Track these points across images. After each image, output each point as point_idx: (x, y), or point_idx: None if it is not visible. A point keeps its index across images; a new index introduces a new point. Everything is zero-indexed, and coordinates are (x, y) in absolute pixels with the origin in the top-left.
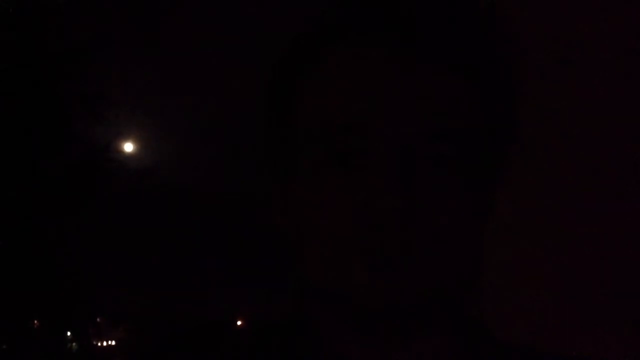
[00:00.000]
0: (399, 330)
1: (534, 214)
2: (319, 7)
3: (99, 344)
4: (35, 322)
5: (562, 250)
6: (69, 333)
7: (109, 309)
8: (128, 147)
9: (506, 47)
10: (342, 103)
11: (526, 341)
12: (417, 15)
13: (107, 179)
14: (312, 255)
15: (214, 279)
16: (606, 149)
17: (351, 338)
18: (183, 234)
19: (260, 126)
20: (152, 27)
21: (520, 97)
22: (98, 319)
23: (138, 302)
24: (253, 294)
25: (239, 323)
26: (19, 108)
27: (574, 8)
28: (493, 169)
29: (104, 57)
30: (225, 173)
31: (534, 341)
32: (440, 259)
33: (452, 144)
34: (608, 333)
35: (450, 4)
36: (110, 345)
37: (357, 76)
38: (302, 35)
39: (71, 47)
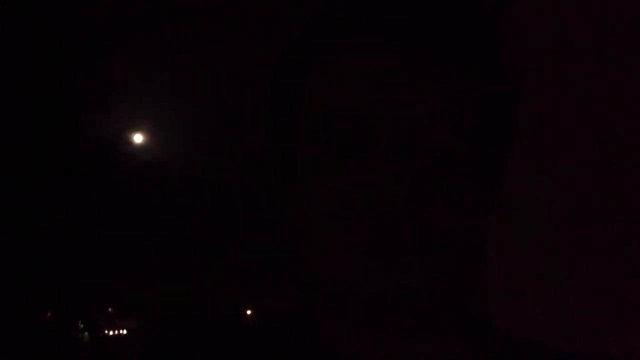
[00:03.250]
0: (402, 325)
1: (540, 210)
2: (322, 3)
3: (110, 334)
4: (48, 312)
5: (568, 246)
6: (80, 323)
7: (120, 299)
8: (138, 138)
9: (509, 42)
10: (346, 98)
11: (531, 337)
12: (420, 11)
13: (117, 170)
14: (315, 248)
15: (223, 269)
16: (609, 147)
17: (353, 332)
18: (192, 225)
19: (266, 120)
20: (161, 20)
21: (523, 92)
22: (109, 309)
23: (149, 292)
24: (262, 285)
25: (248, 312)
26: (28, 101)
27: (577, 6)
28: (496, 164)
29: (113, 49)
30: (234, 166)
31: (540, 336)
32: (443, 252)
33: (454, 139)
34: (612, 328)
35: (452, 3)
36: (122, 334)
37: (360, 71)
38: (307, 30)
39: (80, 40)
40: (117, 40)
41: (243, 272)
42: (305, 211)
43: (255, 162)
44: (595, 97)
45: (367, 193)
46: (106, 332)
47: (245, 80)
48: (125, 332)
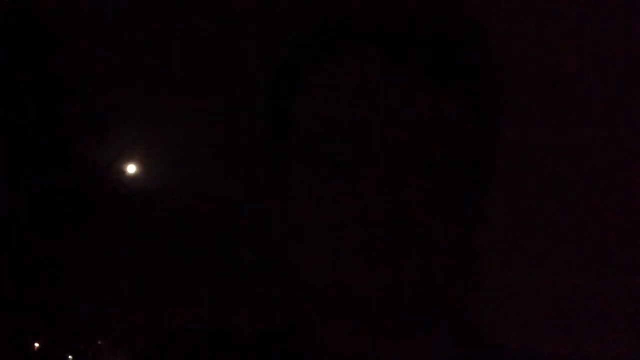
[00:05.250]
0: (394, 329)
1: (532, 217)
2: (317, 14)
3: None
4: (36, 344)
5: (561, 253)
6: (68, 354)
7: (110, 331)
8: (131, 168)
9: (494, 53)
10: (337, 108)
11: (524, 344)
12: (408, 26)
13: (107, 199)
14: (309, 255)
15: (219, 298)
16: (602, 149)
17: (346, 336)
18: (185, 254)
19: (260, 131)
20: (157, 47)
21: (508, 101)
22: (99, 341)
23: (139, 325)
24: (255, 300)
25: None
26: (21, 129)
27: (560, 17)
28: (482, 171)
29: (108, 77)
30: (228, 193)
31: (533, 344)
32: (433, 258)
33: (441, 147)
34: (606, 336)
35: (439, 16)
36: None
37: (351, 83)
38: (299, 43)
39: (75, 68)
40: (111, 68)
41: (239, 295)
42: (299, 218)
43: (250, 190)
44: (582, 101)
45: (358, 200)
46: None
47: (240, 108)
48: None
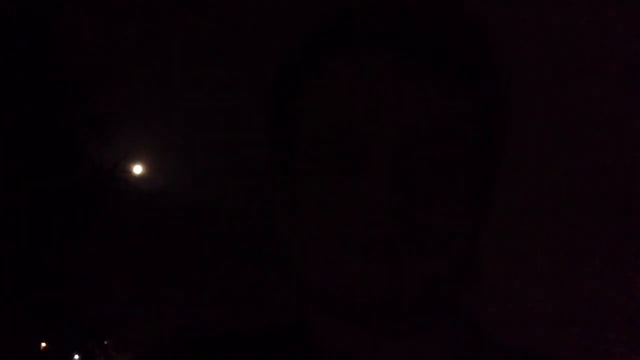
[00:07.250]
0: (399, 328)
1: (532, 217)
2: (317, 14)
3: None
4: (43, 344)
5: (561, 253)
6: (76, 356)
7: (117, 331)
8: (137, 169)
9: (499, 50)
10: (343, 106)
11: (525, 344)
12: (413, 24)
13: (113, 199)
14: (313, 254)
15: (222, 298)
16: (602, 150)
17: (352, 338)
18: (191, 254)
19: (264, 129)
20: (161, 47)
21: (514, 99)
22: (105, 342)
23: (145, 322)
24: (258, 300)
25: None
26: (28, 129)
27: (565, 13)
28: (487, 168)
29: (113, 78)
30: (232, 189)
31: (533, 344)
32: (438, 257)
33: (447, 146)
34: (607, 336)
35: (443, 13)
36: None
37: (357, 81)
38: (305, 41)
39: (80, 69)
40: (116, 71)
41: (242, 295)
42: (303, 218)
43: (253, 188)
44: (587, 99)
45: (362, 200)
46: None
47: (245, 108)
48: None
